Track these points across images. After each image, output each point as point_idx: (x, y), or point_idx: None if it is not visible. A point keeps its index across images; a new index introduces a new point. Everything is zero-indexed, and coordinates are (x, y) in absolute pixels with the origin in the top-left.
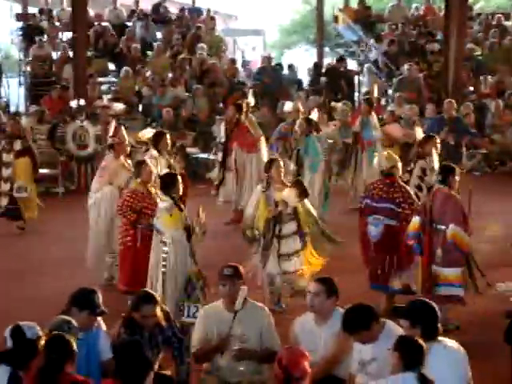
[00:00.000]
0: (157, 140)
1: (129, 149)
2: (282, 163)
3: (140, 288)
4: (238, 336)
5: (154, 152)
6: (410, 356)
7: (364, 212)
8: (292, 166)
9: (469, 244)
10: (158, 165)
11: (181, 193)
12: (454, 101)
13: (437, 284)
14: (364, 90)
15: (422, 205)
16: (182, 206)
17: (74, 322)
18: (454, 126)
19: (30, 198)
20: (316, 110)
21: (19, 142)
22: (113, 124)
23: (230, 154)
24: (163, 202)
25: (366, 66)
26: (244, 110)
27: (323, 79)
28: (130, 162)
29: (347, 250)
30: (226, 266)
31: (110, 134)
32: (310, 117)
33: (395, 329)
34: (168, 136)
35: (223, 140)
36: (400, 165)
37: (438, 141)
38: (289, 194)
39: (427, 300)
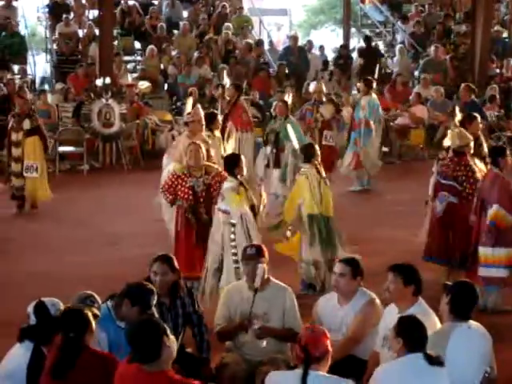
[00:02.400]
0: (210, 120)
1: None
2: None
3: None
4: (260, 315)
5: (206, 132)
6: (413, 339)
7: (435, 188)
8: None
9: (509, 225)
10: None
11: (244, 172)
12: (471, 85)
13: (480, 264)
14: (395, 70)
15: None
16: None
17: (96, 296)
18: (466, 111)
19: (41, 178)
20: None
21: (28, 121)
22: (190, 100)
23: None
24: (228, 183)
25: (397, 46)
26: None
27: (359, 60)
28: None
29: (372, 232)
30: (249, 245)
31: (188, 110)
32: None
33: (424, 308)
34: (219, 117)
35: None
36: (472, 144)
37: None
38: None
39: (470, 282)
